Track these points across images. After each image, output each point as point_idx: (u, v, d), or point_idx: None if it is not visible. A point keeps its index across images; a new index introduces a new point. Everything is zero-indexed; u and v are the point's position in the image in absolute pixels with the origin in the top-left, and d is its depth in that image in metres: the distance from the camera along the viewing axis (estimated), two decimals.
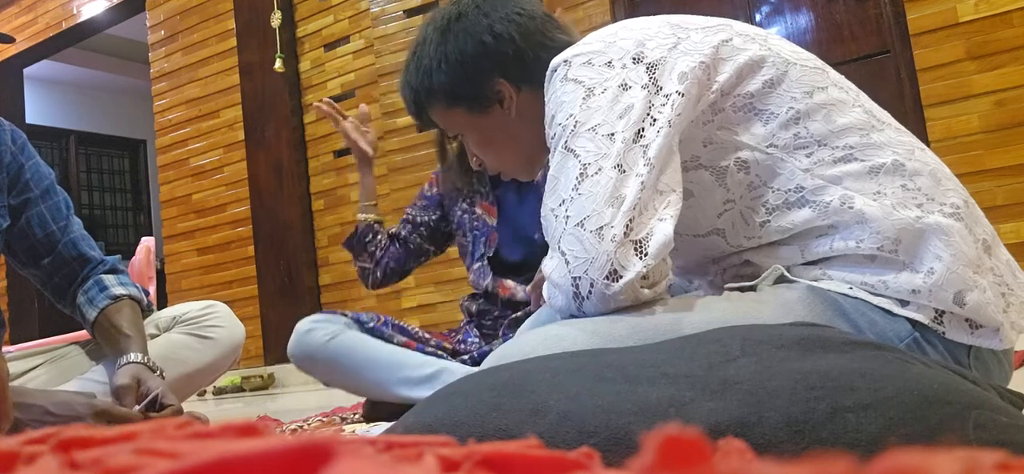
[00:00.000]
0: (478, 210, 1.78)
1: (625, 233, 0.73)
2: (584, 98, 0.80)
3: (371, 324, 1.68)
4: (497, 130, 1.04)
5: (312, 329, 1.67)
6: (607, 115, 0.78)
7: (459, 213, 1.80)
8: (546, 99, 0.86)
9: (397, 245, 1.83)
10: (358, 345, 1.64)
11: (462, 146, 1.72)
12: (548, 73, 0.86)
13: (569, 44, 0.90)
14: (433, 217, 1.83)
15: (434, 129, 1.63)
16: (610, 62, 0.82)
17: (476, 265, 1.76)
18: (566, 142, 0.80)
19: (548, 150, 1.04)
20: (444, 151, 1.79)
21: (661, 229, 0.74)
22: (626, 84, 0.80)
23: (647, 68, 0.80)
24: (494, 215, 1.76)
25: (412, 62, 1.05)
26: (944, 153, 0.85)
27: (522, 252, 1.74)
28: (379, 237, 1.80)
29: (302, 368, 1.70)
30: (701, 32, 0.83)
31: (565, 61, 0.84)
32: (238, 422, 0.28)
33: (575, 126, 0.80)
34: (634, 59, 0.81)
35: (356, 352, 1.63)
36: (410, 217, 1.84)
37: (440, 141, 1.78)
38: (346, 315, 1.71)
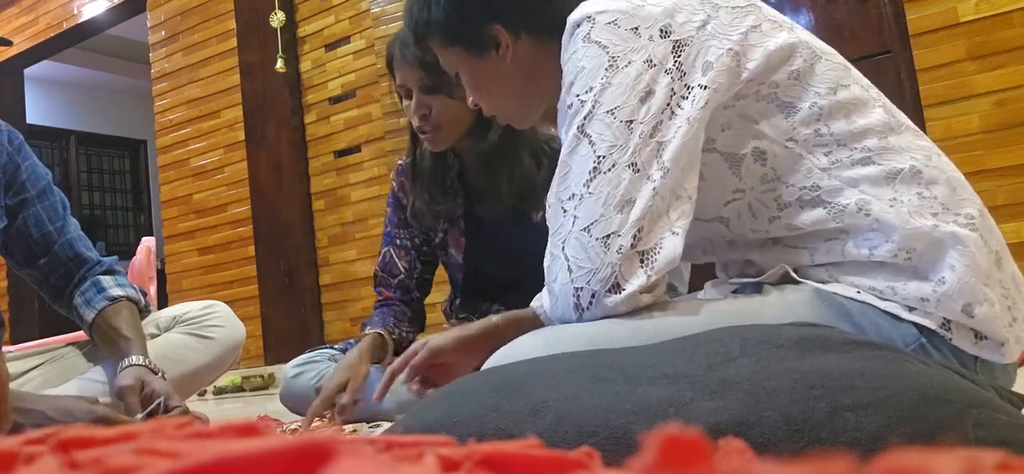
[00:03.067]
0: (449, 240, 1.62)
1: (632, 244, 0.72)
2: (607, 68, 0.77)
3: None
4: (492, 76, 0.99)
5: (298, 374, 1.62)
6: (628, 97, 0.76)
7: (442, 234, 1.64)
8: (564, 57, 0.82)
9: (416, 292, 1.66)
10: None
11: (433, 163, 1.56)
12: (568, 26, 0.82)
13: None
14: (421, 236, 1.66)
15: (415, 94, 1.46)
16: (636, 29, 0.78)
17: (462, 315, 1.63)
18: (582, 125, 0.77)
19: (544, 102, 1.00)
20: (415, 163, 1.58)
21: (670, 244, 0.73)
22: (651, 60, 0.77)
23: (673, 47, 0.77)
24: (460, 248, 1.60)
25: None
26: (944, 153, 0.85)
27: (511, 273, 1.57)
28: (409, 334, 1.61)
29: (296, 411, 1.64)
30: (730, 12, 0.80)
31: (588, 17, 0.80)
32: (238, 422, 0.28)
33: (594, 106, 0.76)
34: (662, 32, 0.78)
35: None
36: (405, 244, 1.65)
37: (411, 149, 1.59)
38: (332, 348, 1.65)
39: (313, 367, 1.63)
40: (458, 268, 1.63)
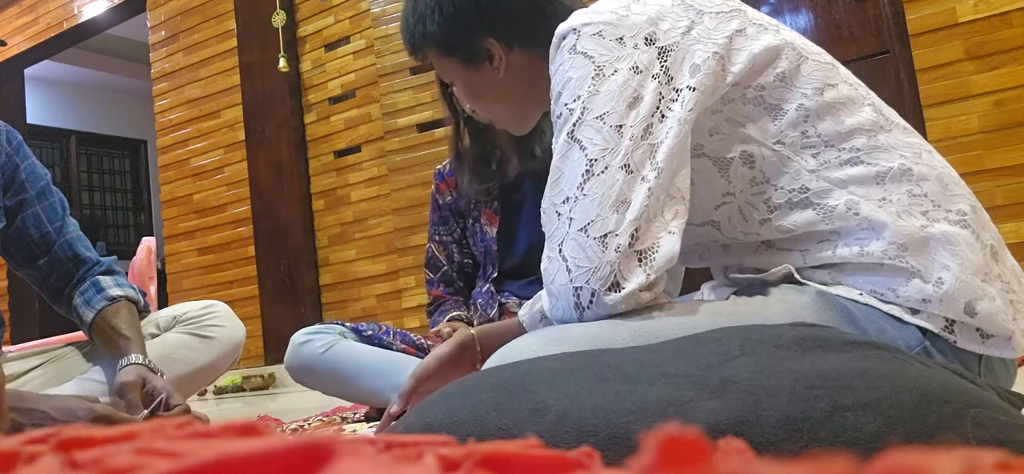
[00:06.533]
0: (482, 220, 1.73)
1: (630, 243, 0.72)
2: (593, 77, 0.77)
3: (369, 333, 1.66)
4: (487, 86, 1.01)
5: (308, 340, 1.65)
6: (616, 103, 0.76)
7: (471, 221, 1.76)
8: (552, 69, 0.83)
9: (458, 282, 1.78)
10: (355, 353, 1.62)
11: (477, 146, 1.68)
12: (555, 39, 0.83)
13: (571, 9, 0.87)
14: (459, 228, 1.78)
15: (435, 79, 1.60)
16: (622, 38, 0.78)
17: (485, 288, 1.71)
18: (572, 131, 0.77)
19: (541, 108, 1.02)
20: (459, 150, 1.71)
21: (668, 243, 0.73)
22: (637, 67, 0.77)
23: (659, 53, 0.77)
24: (494, 224, 1.71)
25: (410, 1, 1.03)
26: (943, 153, 0.84)
27: (528, 257, 1.69)
28: (465, 314, 1.73)
29: (299, 380, 1.68)
30: (715, 17, 0.80)
31: (574, 29, 0.81)
32: (238, 422, 0.28)
33: (582, 113, 0.77)
34: (647, 40, 0.78)
35: (353, 360, 1.61)
36: (445, 240, 1.78)
37: (454, 137, 1.71)
38: (343, 325, 1.69)
39: (322, 337, 1.65)
40: (493, 241, 1.72)
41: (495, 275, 1.71)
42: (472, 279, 1.81)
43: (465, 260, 1.80)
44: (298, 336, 1.67)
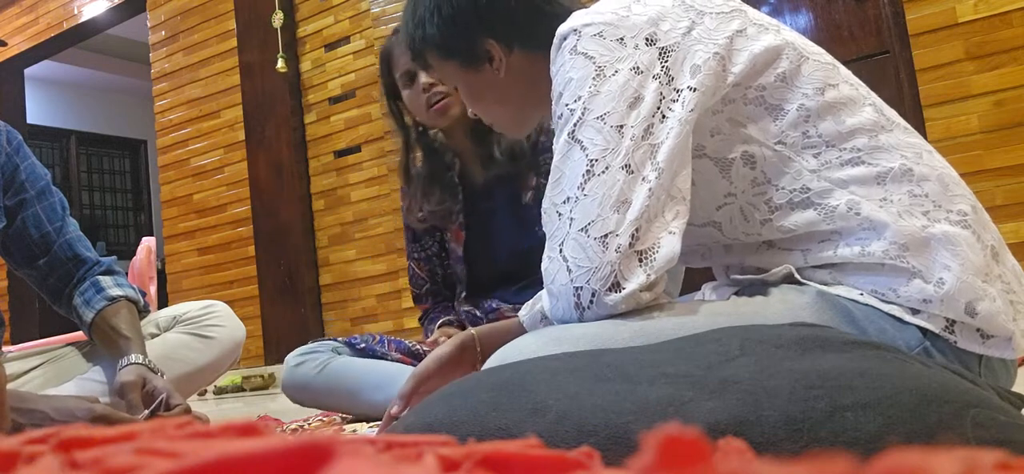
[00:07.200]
0: (448, 235, 1.70)
1: (630, 243, 0.72)
2: (594, 78, 0.78)
3: (362, 345, 1.65)
4: (487, 88, 1.01)
5: (301, 362, 1.64)
6: (617, 103, 0.76)
7: (447, 235, 1.73)
8: (553, 70, 0.83)
9: (446, 291, 1.75)
10: (350, 369, 1.61)
11: (429, 163, 1.64)
12: (556, 40, 0.83)
13: (571, 10, 0.87)
14: (436, 242, 1.74)
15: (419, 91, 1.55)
16: (622, 39, 0.79)
17: (463, 308, 1.68)
18: (573, 131, 0.77)
19: (540, 109, 1.02)
20: (408, 171, 1.66)
21: (668, 243, 0.73)
22: (638, 68, 0.77)
23: (660, 54, 0.78)
24: (460, 241, 1.68)
25: (409, 5, 1.03)
26: (943, 153, 0.84)
27: (509, 264, 1.65)
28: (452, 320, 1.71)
29: (297, 400, 1.67)
30: (715, 18, 0.80)
31: (574, 30, 0.81)
32: (238, 422, 0.28)
33: (583, 113, 0.77)
34: (647, 40, 0.78)
35: (349, 376, 1.60)
36: (423, 256, 1.74)
37: (404, 156, 1.66)
38: (336, 341, 1.68)
39: (315, 357, 1.64)
40: (459, 260, 1.68)
41: (464, 295, 1.68)
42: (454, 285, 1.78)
43: (449, 272, 1.76)
44: (291, 358, 1.66)
